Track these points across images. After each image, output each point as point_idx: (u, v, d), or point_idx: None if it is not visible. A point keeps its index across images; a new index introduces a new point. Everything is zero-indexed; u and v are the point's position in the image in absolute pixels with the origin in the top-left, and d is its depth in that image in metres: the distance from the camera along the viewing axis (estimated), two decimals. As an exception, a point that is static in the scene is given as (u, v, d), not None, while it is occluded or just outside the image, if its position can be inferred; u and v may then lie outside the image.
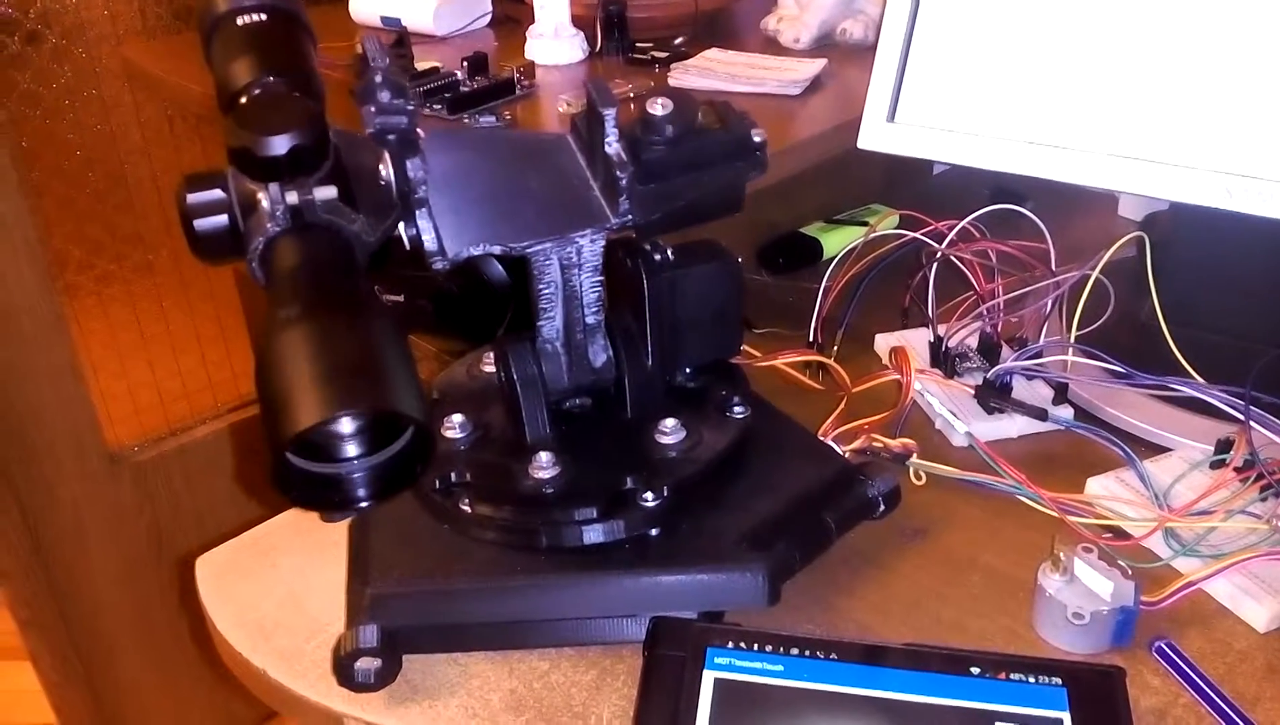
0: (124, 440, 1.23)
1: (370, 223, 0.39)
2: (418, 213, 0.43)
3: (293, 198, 0.38)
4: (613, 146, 0.45)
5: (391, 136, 0.41)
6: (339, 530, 0.51)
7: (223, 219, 0.39)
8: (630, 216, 0.46)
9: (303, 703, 0.46)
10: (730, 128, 0.47)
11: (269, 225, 0.37)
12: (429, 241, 0.43)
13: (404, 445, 0.34)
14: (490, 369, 0.53)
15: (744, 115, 0.48)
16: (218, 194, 0.39)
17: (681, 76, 0.84)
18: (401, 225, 0.43)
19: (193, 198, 0.39)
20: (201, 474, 1.27)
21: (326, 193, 0.38)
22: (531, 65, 0.89)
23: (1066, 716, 0.39)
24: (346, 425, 0.34)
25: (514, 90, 0.83)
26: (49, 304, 1.11)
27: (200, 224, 0.39)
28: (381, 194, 0.41)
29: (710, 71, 0.85)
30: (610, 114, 0.44)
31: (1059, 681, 0.40)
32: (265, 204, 0.37)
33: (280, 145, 0.37)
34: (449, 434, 0.49)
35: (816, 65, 0.85)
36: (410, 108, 0.42)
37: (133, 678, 1.30)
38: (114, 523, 1.22)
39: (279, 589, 0.51)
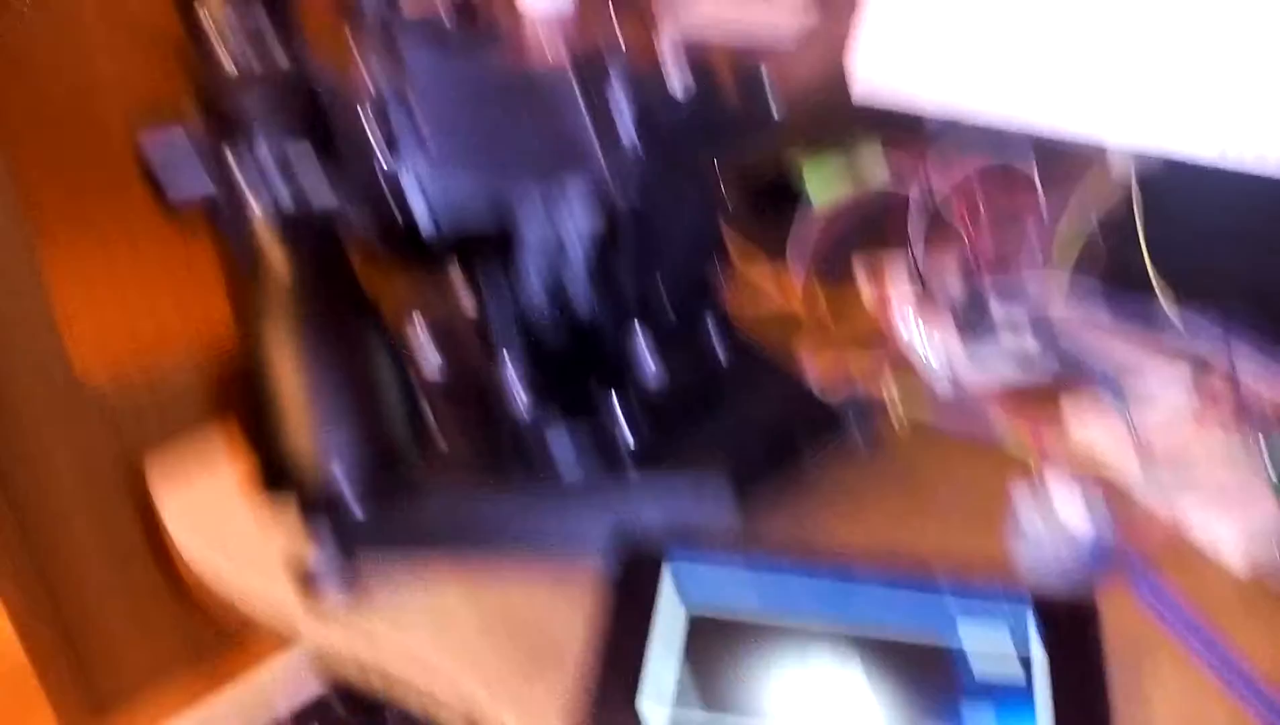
0: (93, 374, 1.21)
1: (358, 197, 0.38)
2: (407, 183, 0.40)
3: (278, 181, 0.36)
4: (627, 131, 0.43)
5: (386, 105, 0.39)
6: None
7: (194, 179, 0.37)
8: (631, 189, 0.44)
9: (259, 611, 0.45)
10: (750, 101, 0.45)
11: (252, 209, 0.36)
12: (417, 211, 0.40)
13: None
14: (466, 292, 0.52)
15: (763, 82, 0.46)
16: (191, 159, 0.37)
17: (670, 18, 0.82)
18: (389, 195, 0.40)
19: (165, 173, 0.37)
20: (173, 412, 1.25)
21: (315, 178, 0.36)
22: (518, 8, 0.87)
23: (1039, 641, 0.38)
24: None
25: (499, 35, 0.80)
26: (20, 244, 1.08)
27: (165, 177, 0.37)
28: (367, 163, 0.39)
29: (698, 14, 0.83)
30: (627, 105, 0.42)
31: (1032, 606, 0.39)
32: (248, 185, 0.36)
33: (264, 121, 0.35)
34: (418, 355, 0.48)
35: (807, 10, 0.83)
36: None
37: (99, 606, 1.29)
38: (84, 461, 1.20)
39: (239, 496, 0.49)
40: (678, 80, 0.43)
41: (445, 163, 0.40)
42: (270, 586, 0.45)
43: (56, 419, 1.18)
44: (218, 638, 1.37)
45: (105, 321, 1.22)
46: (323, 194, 0.36)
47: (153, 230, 1.22)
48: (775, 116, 0.45)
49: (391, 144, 0.39)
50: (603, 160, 0.43)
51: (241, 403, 0.34)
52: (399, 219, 0.40)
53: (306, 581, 0.42)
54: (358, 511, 0.34)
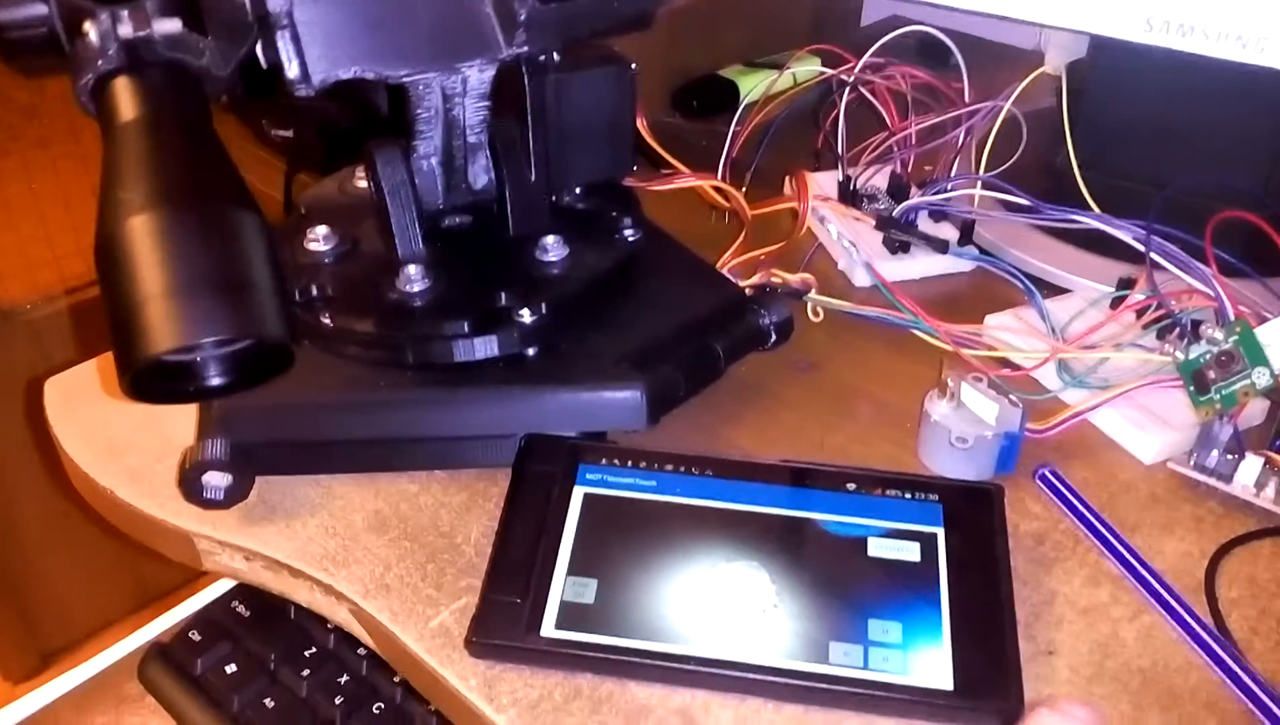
0: (15, 298, 1.17)
1: (221, 49, 0.34)
2: (278, 35, 0.37)
3: (127, 30, 0.32)
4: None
5: None
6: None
7: (41, 32, 0.34)
8: (526, 47, 0.41)
9: (152, 523, 0.43)
10: None
11: (99, 61, 0.32)
12: (291, 68, 0.37)
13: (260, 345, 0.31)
14: (364, 185, 0.50)
15: None
16: (37, 11, 0.34)
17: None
18: (259, 47, 0.37)
19: (4, 14, 0.34)
20: (98, 333, 1.22)
21: (168, 27, 0.33)
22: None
23: (941, 531, 0.38)
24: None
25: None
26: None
27: (14, 37, 0.34)
28: (234, 10, 0.35)
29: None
30: None
31: (935, 498, 0.39)
32: (94, 36, 0.32)
33: None
34: (312, 247, 0.46)
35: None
36: None
37: (35, 544, 1.26)
38: (6, 383, 1.16)
39: (134, 410, 0.47)
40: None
41: (322, 8, 0.37)
42: (161, 495, 0.43)
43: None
44: (162, 577, 1.36)
45: (28, 247, 1.18)
46: (186, 40, 0.33)
47: (74, 154, 1.17)
48: None
49: (261, 9, 0.36)
50: (499, 27, 0.41)
51: (101, 287, 0.31)
52: (267, 68, 0.37)
53: (190, 480, 0.41)
54: (219, 383, 0.31)
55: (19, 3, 0.34)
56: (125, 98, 0.32)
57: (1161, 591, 0.39)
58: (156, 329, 0.29)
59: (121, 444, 0.46)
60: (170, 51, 0.33)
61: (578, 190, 0.50)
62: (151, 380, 0.31)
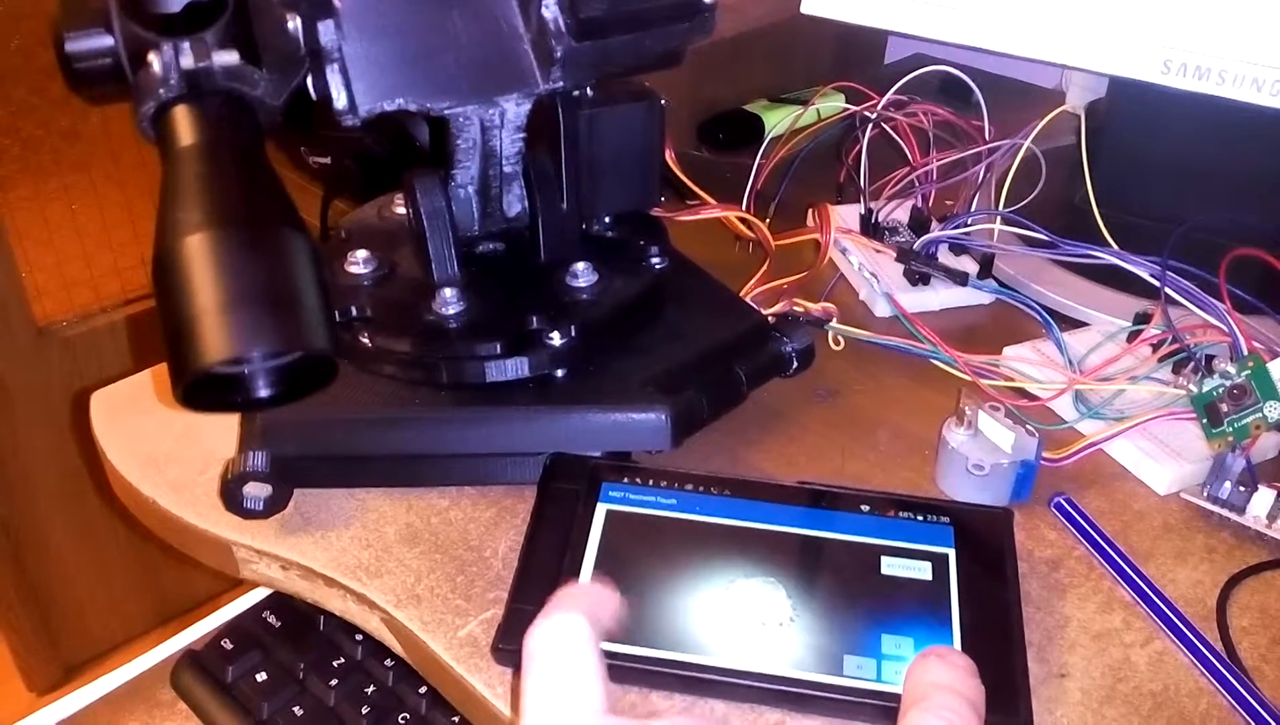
0: (53, 316, 1.20)
1: (275, 80, 0.36)
2: (328, 69, 0.39)
3: (188, 62, 0.35)
4: (550, 10, 0.42)
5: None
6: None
7: (106, 63, 0.36)
8: (562, 83, 0.43)
9: (192, 531, 0.45)
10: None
11: (161, 90, 0.34)
12: (339, 99, 0.39)
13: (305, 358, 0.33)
14: (402, 211, 0.52)
15: None
16: (104, 42, 0.36)
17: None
18: (309, 79, 0.39)
19: (73, 45, 0.36)
20: (133, 350, 1.25)
21: (227, 58, 0.35)
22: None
23: (952, 552, 0.39)
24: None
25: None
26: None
27: (81, 67, 0.36)
28: (288, 44, 0.38)
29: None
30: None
31: (946, 520, 0.40)
32: (157, 67, 0.34)
33: (175, 1, 0.35)
34: (352, 270, 0.48)
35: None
36: None
37: (61, 557, 1.29)
38: (43, 399, 1.19)
39: (176, 423, 0.50)
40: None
41: (367, 44, 0.39)
42: (202, 505, 0.45)
43: (19, 366, 1.16)
44: (182, 601, 1.38)
45: (66, 266, 1.21)
46: (243, 71, 0.35)
47: (112, 173, 1.20)
48: (706, 4, 0.43)
49: (314, 43, 0.38)
50: (536, 63, 0.43)
51: (157, 301, 0.33)
52: (316, 99, 0.39)
53: (231, 490, 0.42)
54: (266, 395, 0.33)
55: (87, 35, 0.36)
56: (185, 124, 0.34)
57: (1173, 618, 0.40)
58: (209, 342, 0.30)
59: (164, 456, 0.48)
60: (228, 82, 0.35)
61: (607, 219, 0.51)
62: (203, 391, 0.32)
